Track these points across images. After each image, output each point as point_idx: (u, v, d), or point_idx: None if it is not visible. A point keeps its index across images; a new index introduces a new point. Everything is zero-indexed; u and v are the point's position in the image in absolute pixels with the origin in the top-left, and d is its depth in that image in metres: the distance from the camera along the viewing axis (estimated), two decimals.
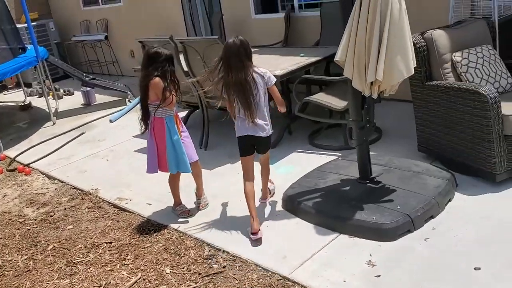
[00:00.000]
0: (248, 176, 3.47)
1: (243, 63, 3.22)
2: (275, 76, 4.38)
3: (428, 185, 3.39)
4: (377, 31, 2.87)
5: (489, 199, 3.32)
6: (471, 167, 3.56)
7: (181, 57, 4.88)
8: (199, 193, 3.84)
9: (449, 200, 3.34)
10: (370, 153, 3.60)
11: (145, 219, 3.82)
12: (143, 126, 3.60)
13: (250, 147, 3.45)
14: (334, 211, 3.33)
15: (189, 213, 3.75)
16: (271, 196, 3.81)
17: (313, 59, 4.80)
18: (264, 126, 3.35)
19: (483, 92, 3.24)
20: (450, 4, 4.34)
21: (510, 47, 4.09)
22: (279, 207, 3.66)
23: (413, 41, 3.63)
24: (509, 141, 3.34)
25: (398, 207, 3.18)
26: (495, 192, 3.38)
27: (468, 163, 3.56)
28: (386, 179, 3.56)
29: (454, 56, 3.69)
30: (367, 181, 3.57)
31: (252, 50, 5.90)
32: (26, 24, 7.07)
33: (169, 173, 3.68)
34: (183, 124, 3.70)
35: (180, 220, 3.69)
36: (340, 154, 4.35)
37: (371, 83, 3.06)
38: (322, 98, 4.63)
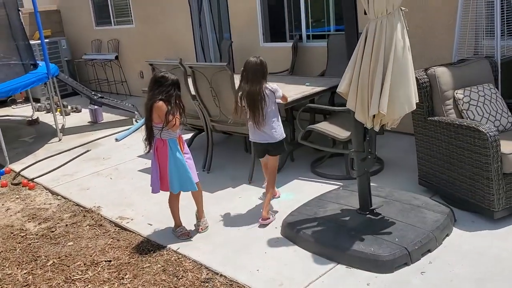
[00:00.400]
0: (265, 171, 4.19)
1: (257, 78, 3.75)
2: (280, 104, 4.50)
3: (426, 219, 3.42)
4: (380, 67, 2.96)
5: (487, 236, 3.35)
6: (470, 203, 3.60)
7: (189, 81, 4.99)
8: (199, 215, 3.89)
9: (447, 235, 3.37)
10: (371, 184, 3.64)
11: (145, 239, 3.85)
12: (148, 147, 3.68)
13: (262, 151, 3.98)
14: (333, 241, 3.36)
15: (189, 235, 3.79)
16: (270, 220, 3.85)
17: (318, 89, 4.90)
18: (272, 134, 3.84)
19: (483, 130, 3.30)
20: (454, 43, 4.45)
21: None
22: (278, 233, 3.69)
23: (416, 77, 3.74)
24: (507, 179, 3.39)
25: (396, 239, 3.21)
26: (493, 229, 3.41)
27: (467, 199, 3.61)
28: (385, 211, 3.60)
29: (456, 93, 3.77)
30: (367, 212, 3.61)
31: None
32: (39, 41, 7.23)
33: (169, 193, 3.77)
34: (186, 146, 3.78)
35: (179, 241, 3.72)
36: (341, 184, 4.39)
37: (373, 116, 3.13)
38: (325, 127, 4.70)
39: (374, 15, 2.95)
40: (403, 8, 2.98)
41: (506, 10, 4.26)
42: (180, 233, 3.80)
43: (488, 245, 3.23)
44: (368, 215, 3.58)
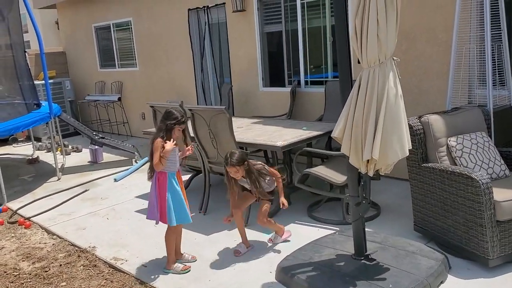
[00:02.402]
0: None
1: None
2: (277, 147, 4.58)
3: (421, 266, 3.41)
4: (373, 114, 3.04)
5: (481, 284, 3.33)
6: (464, 250, 3.59)
7: (189, 123, 5.08)
8: (179, 250, 4.05)
9: (441, 282, 3.35)
10: (367, 229, 3.65)
11: (139, 280, 3.82)
12: (150, 174, 3.82)
13: None
14: (327, 287, 3.34)
15: (189, 267, 3.89)
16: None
17: (315, 133, 4.98)
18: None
19: (475, 177, 3.35)
20: (448, 91, 4.56)
21: (504, 135, 4.25)
22: (272, 278, 3.67)
23: (410, 124, 3.82)
24: (501, 227, 3.40)
25: (390, 286, 3.19)
26: (488, 277, 3.40)
27: (462, 246, 3.61)
28: (380, 257, 3.59)
29: (449, 141, 3.84)
30: (362, 258, 3.60)
31: (257, 120, 6.16)
32: (43, 81, 7.40)
33: (166, 228, 3.87)
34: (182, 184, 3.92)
35: (173, 284, 3.69)
36: (337, 229, 4.39)
37: (367, 161, 3.18)
38: (322, 171, 4.74)
39: (367, 64, 3.06)
40: (395, 58, 3.08)
41: (498, 61, 4.39)
42: (180, 268, 3.86)
43: None
44: (363, 261, 3.57)
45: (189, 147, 3.92)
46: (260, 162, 4.15)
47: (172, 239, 3.89)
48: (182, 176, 3.99)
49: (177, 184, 3.79)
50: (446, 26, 4.97)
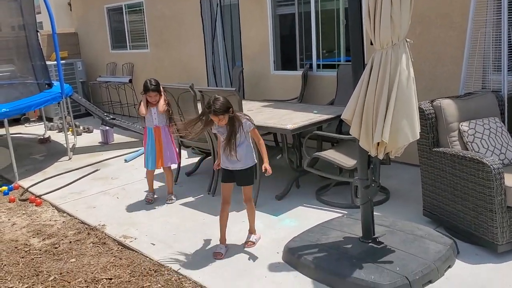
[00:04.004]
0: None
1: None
2: (287, 130, 4.55)
3: (429, 250, 3.40)
4: (385, 96, 3.01)
5: (490, 269, 3.31)
6: (473, 235, 3.58)
7: (199, 105, 5.07)
8: (168, 191, 5.09)
9: (449, 267, 3.34)
10: (375, 213, 3.64)
11: (147, 258, 3.86)
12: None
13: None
14: (334, 268, 3.35)
15: (150, 201, 5.03)
16: (249, 246, 3.90)
17: (326, 117, 4.95)
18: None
19: (487, 162, 3.31)
20: (462, 76, 4.49)
21: None
22: (279, 258, 3.68)
23: (422, 108, 3.79)
24: None
25: (398, 268, 3.19)
26: (497, 262, 3.38)
27: (471, 232, 3.59)
28: (388, 240, 3.58)
29: (461, 126, 3.80)
30: (370, 241, 3.60)
31: (268, 103, 6.12)
32: (55, 62, 7.42)
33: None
34: (169, 137, 5.00)
35: (181, 262, 3.73)
36: (346, 212, 4.39)
37: (377, 143, 3.15)
38: (331, 155, 4.73)
39: (380, 45, 3.02)
40: (408, 40, 3.04)
41: None
42: (145, 197, 5.10)
43: (491, 279, 3.19)
44: (370, 244, 3.57)
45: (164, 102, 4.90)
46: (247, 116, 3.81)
47: (150, 178, 5.10)
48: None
49: (150, 139, 4.92)
50: (462, 10, 4.88)
